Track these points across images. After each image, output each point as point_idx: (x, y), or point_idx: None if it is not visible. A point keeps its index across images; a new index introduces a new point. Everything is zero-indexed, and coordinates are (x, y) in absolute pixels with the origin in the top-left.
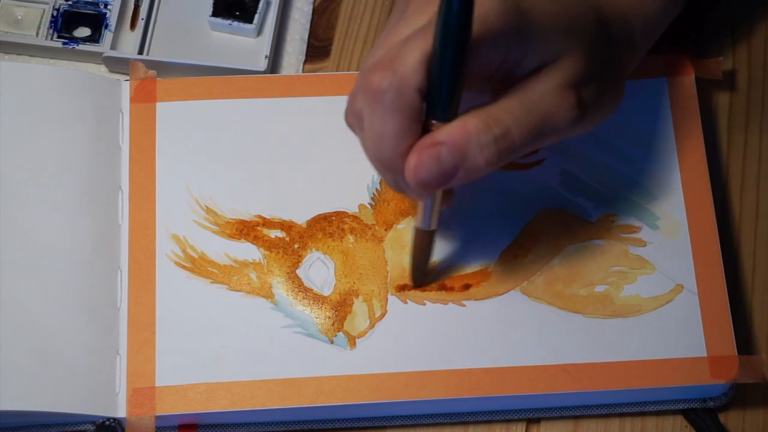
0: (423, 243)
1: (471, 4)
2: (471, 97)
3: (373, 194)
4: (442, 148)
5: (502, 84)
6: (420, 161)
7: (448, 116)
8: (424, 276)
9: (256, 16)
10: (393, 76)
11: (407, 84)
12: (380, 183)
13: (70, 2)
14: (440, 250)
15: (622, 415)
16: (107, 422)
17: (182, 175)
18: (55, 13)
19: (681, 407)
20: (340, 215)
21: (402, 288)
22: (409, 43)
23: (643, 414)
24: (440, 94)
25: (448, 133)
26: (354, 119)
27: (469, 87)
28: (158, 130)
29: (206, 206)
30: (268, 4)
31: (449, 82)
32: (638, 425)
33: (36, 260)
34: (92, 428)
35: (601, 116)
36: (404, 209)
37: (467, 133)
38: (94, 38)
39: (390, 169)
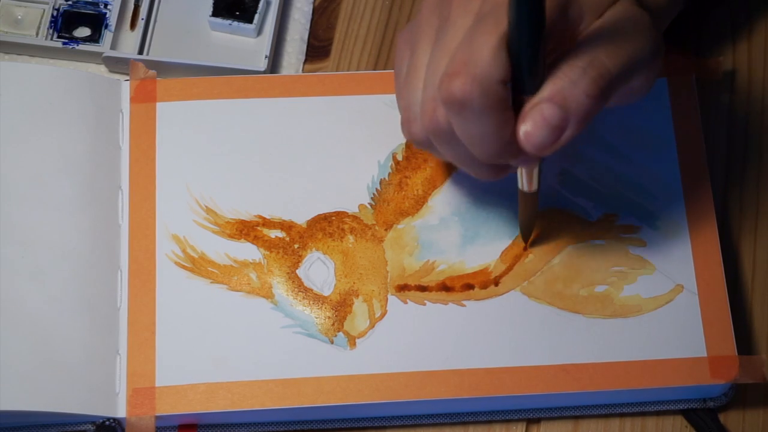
0: (529, 204)
1: None
2: None
3: (373, 194)
4: (543, 106)
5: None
6: (528, 128)
7: (537, 86)
8: (531, 234)
9: (256, 16)
10: (473, 78)
11: (489, 80)
12: (380, 183)
13: (70, 2)
14: (440, 249)
15: (622, 415)
16: (107, 422)
17: (182, 175)
18: (55, 13)
19: (681, 407)
20: (340, 215)
21: (402, 288)
22: (475, 39)
23: (643, 414)
24: (528, 72)
25: (542, 94)
26: (435, 133)
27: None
28: (158, 130)
29: (206, 206)
30: (268, 4)
31: (532, 56)
32: (638, 425)
33: (36, 260)
34: (92, 428)
35: (660, 60)
36: (404, 209)
37: (556, 80)
38: (94, 38)
39: (501, 159)
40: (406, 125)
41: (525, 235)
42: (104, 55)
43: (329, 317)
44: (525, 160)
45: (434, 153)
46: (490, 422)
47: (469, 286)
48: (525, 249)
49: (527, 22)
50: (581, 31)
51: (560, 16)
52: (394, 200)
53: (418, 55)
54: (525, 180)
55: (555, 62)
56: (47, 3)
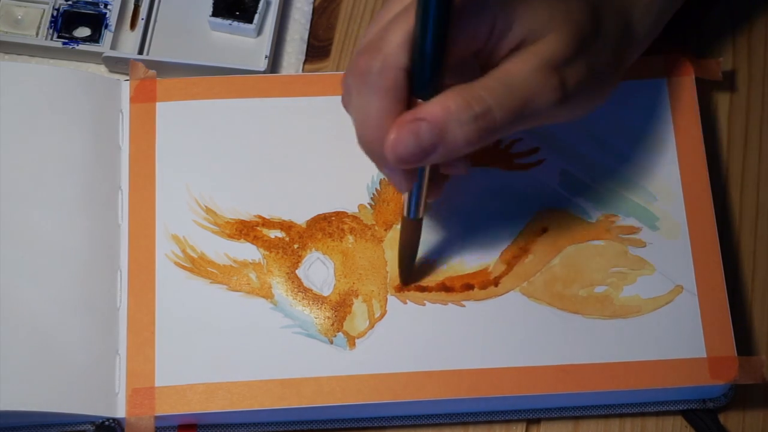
0: (409, 233)
1: None
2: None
3: (373, 194)
4: (422, 124)
5: (488, 64)
6: (399, 136)
7: (430, 93)
8: (411, 271)
9: (256, 16)
10: (378, 56)
11: (391, 63)
12: (380, 183)
13: (70, 2)
14: (440, 249)
15: (621, 415)
16: (107, 422)
17: (182, 175)
18: (55, 13)
19: (681, 408)
20: (339, 215)
21: (401, 288)
22: (393, 23)
23: (642, 415)
24: (422, 70)
25: (428, 110)
26: (346, 100)
27: (457, 66)
28: (158, 130)
29: (206, 206)
30: (268, 4)
31: (431, 56)
32: (638, 426)
33: (35, 260)
34: (92, 428)
35: (589, 105)
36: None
37: (447, 110)
38: (94, 38)
39: (373, 149)
40: None
41: (402, 271)
42: (104, 55)
43: (329, 317)
44: (390, 169)
45: None
46: (490, 422)
47: (469, 287)
48: (401, 287)
49: (428, 29)
50: (498, 48)
51: (486, 17)
52: (393, 200)
53: (369, 23)
54: (406, 200)
55: (460, 85)
56: (47, 3)
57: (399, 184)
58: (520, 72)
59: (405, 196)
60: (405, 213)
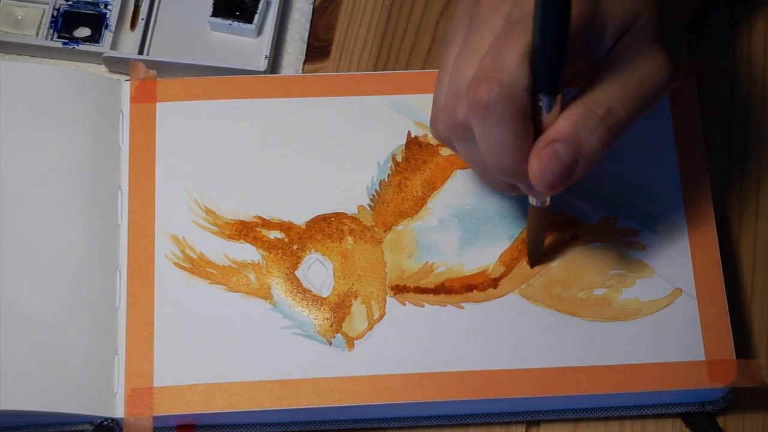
0: (539, 220)
1: None
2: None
3: (373, 195)
4: (557, 145)
5: (587, 69)
6: (541, 164)
7: (557, 87)
8: (541, 255)
9: (256, 16)
10: (500, 84)
11: (516, 88)
12: (379, 184)
13: (70, 2)
14: (439, 251)
15: (621, 418)
16: (105, 422)
17: (182, 175)
18: (55, 13)
19: (679, 411)
20: (339, 216)
21: (400, 290)
22: (504, 45)
23: (641, 417)
24: (549, 69)
25: (557, 130)
26: (455, 130)
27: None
28: (158, 130)
29: (205, 207)
30: (268, 4)
31: (556, 65)
32: (637, 428)
33: (35, 260)
34: (90, 428)
35: (682, 72)
36: (403, 211)
37: (574, 123)
38: (94, 38)
39: (513, 175)
40: (431, 121)
41: (533, 254)
42: (104, 55)
43: (328, 318)
44: (530, 187)
45: (456, 151)
46: (489, 424)
47: (468, 288)
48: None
49: (551, 33)
50: (599, 49)
51: (586, 27)
52: (393, 201)
53: (449, 53)
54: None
55: (574, 96)
56: (47, 3)
57: (539, 195)
58: (629, 60)
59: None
60: (534, 202)
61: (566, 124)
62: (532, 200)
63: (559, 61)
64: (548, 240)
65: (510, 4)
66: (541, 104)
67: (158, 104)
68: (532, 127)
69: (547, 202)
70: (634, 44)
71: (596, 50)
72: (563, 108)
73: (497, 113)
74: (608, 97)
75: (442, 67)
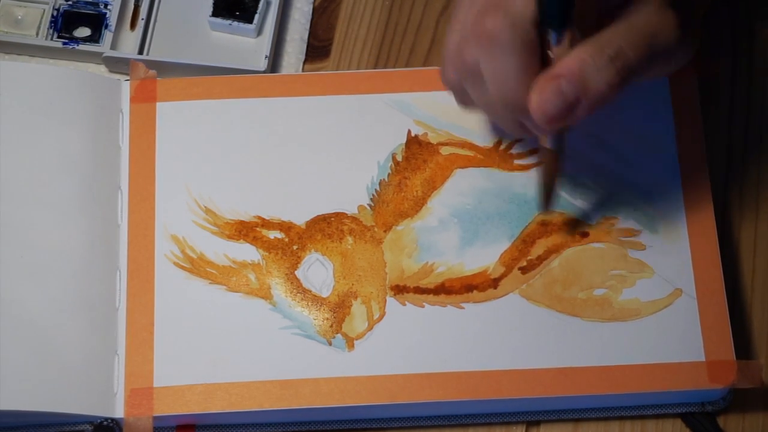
0: (551, 163)
1: None
2: None
3: (373, 195)
4: (562, 80)
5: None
6: (542, 96)
7: (563, 22)
8: (554, 199)
9: (256, 16)
10: (505, 15)
11: (521, 19)
12: (379, 184)
13: (70, 2)
14: (439, 251)
15: (621, 418)
16: (105, 422)
17: (182, 175)
18: (55, 13)
19: (679, 411)
20: (339, 216)
21: (400, 290)
22: None
23: (641, 417)
24: (554, 5)
25: (564, 65)
26: (464, 73)
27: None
28: (158, 130)
29: (205, 207)
30: (268, 4)
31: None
32: (637, 429)
33: (35, 260)
34: (90, 428)
35: (694, 46)
36: (403, 211)
37: (582, 60)
38: (94, 38)
39: (516, 108)
40: (441, 69)
41: (547, 199)
42: (104, 55)
43: (327, 319)
44: (535, 126)
45: (464, 100)
46: (489, 425)
47: (468, 289)
48: (543, 209)
49: None
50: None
51: None
52: (393, 201)
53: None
54: (549, 135)
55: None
56: (47, 3)
57: (539, 132)
58: (641, 15)
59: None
60: (546, 144)
61: (573, 60)
62: (544, 141)
63: None
64: (548, 240)
65: None
66: (549, 39)
67: (158, 104)
68: (539, 61)
69: (561, 150)
70: (649, 3)
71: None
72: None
73: (502, 43)
74: (620, 38)
75: (452, 16)
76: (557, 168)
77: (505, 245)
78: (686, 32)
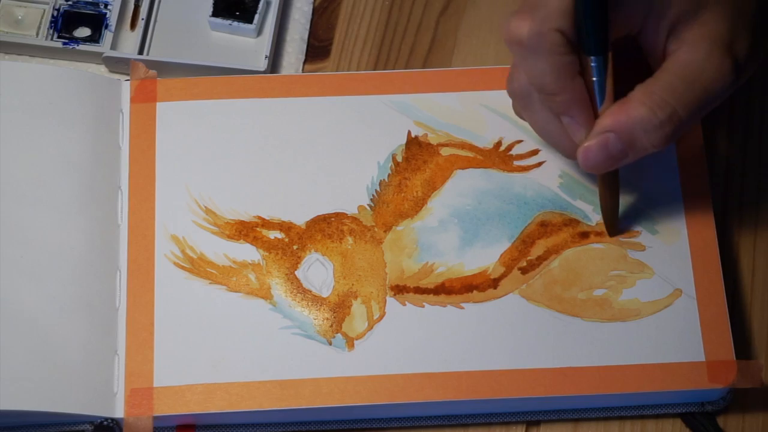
0: (607, 184)
1: None
2: None
3: (373, 195)
4: (610, 135)
5: (651, 44)
6: (589, 149)
7: (599, 50)
8: (617, 220)
9: (256, 16)
10: (531, 21)
11: (546, 25)
12: (380, 185)
13: (70, 2)
14: (439, 251)
15: (621, 418)
16: (105, 422)
17: (182, 175)
18: (55, 13)
19: (679, 411)
20: (339, 216)
21: (400, 290)
22: None
23: (641, 417)
24: (589, 29)
25: (614, 120)
26: (514, 98)
27: (620, 46)
28: (158, 130)
29: (205, 207)
30: (268, 4)
31: (595, 14)
32: (637, 429)
33: (35, 260)
34: (90, 428)
35: (754, 69)
36: (403, 211)
37: (632, 120)
38: (94, 38)
39: (555, 100)
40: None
41: (608, 221)
42: (104, 55)
43: (328, 318)
44: (575, 117)
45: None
46: (489, 425)
47: (468, 289)
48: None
49: None
50: (660, 30)
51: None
52: (393, 202)
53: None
54: None
55: (642, 84)
56: (47, 3)
57: (578, 135)
58: (695, 61)
59: None
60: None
61: (625, 118)
62: (579, 160)
63: (598, 23)
64: (548, 240)
65: None
66: (590, 64)
67: (158, 104)
68: (574, 60)
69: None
70: (703, 43)
71: (657, 30)
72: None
73: (528, 46)
74: (673, 99)
75: None
76: (617, 186)
77: (505, 245)
78: (740, 71)
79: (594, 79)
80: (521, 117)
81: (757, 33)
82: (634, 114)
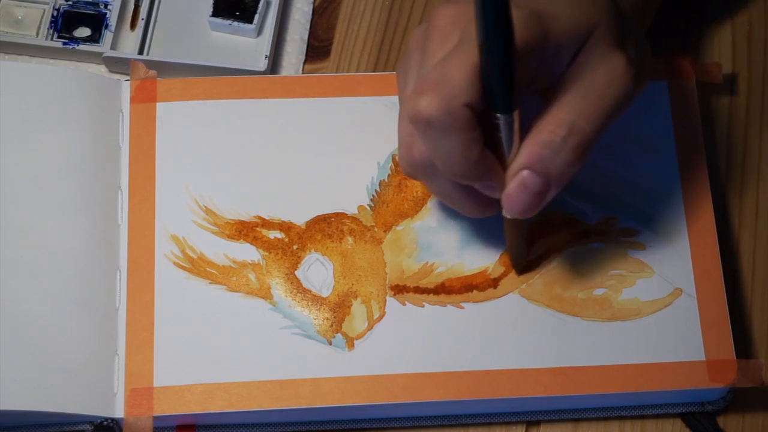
0: (515, 228)
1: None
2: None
3: (373, 195)
4: (524, 173)
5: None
6: (509, 195)
7: (509, 107)
8: (524, 261)
9: (256, 16)
10: (439, 98)
11: (455, 101)
12: (379, 185)
13: (70, 2)
14: (439, 251)
15: (621, 418)
16: (105, 422)
17: (182, 175)
18: (55, 13)
19: (679, 411)
20: (339, 216)
21: (400, 290)
22: (447, 63)
23: (641, 417)
24: (499, 90)
25: (522, 158)
26: (414, 169)
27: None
28: (158, 130)
29: (205, 207)
30: (268, 4)
31: (505, 73)
32: (637, 428)
33: (35, 260)
34: (90, 428)
35: (648, 75)
36: (403, 211)
37: (536, 150)
38: (94, 38)
39: (464, 178)
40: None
41: (516, 262)
42: (104, 55)
43: (327, 318)
44: (489, 186)
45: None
46: (489, 424)
47: (468, 288)
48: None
49: (496, 55)
50: (557, 67)
51: (537, 49)
52: (393, 202)
53: (405, 91)
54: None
55: (536, 117)
56: (47, 3)
57: (493, 195)
58: (588, 72)
59: None
60: (505, 213)
61: (529, 150)
62: (506, 212)
63: (508, 81)
64: (548, 240)
65: (459, 32)
66: (498, 122)
67: (158, 104)
68: (480, 135)
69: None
70: (591, 55)
71: (555, 69)
72: (528, 129)
73: (439, 126)
74: (568, 114)
75: (400, 104)
76: (522, 231)
77: (504, 245)
78: (639, 68)
79: (502, 135)
80: (417, 179)
81: (637, 36)
82: (536, 143)
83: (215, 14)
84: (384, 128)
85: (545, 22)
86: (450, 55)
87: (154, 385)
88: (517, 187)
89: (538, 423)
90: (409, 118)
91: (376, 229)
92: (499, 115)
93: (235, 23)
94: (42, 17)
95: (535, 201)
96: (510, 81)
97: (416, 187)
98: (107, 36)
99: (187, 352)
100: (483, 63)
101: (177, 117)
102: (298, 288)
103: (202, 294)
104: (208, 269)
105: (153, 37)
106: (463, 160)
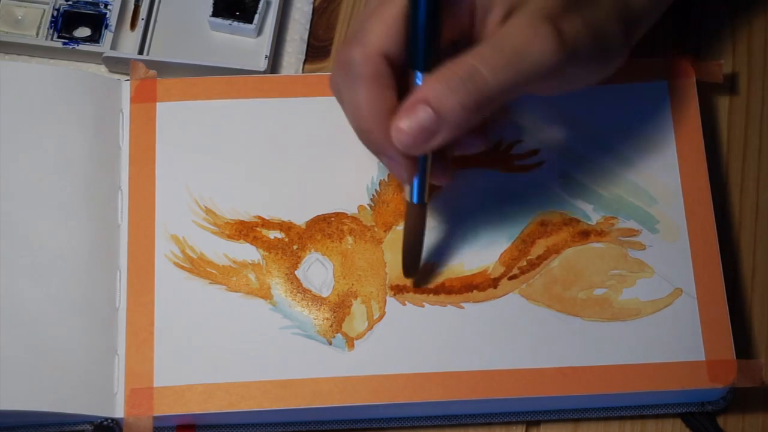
0: (413, 219)
1: None
2: None
3: (373, 195)
4: (418, 105)
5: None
6: (400, 125)
7: (428, 65)
8: (418, 263)
9: (256, 16)
10: (358, 46)
11: (372, 51)
12: (379, 184)
13: (70, 2)
14: (439, 251)
15: (621, 418)
16: (105, 422)
17: (182, 175)
18: (55, 13)
19: (679, 411)
20: (339, 216)
21: (401, 290)
22: (372, 15)
23: (641, 417)
24: (418, 43)
25: (419, 91)
26: (335, 93)
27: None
28: (158, 130)
29: (205, 207)
30: (268, 4)
31: (426, 28)
32: (637, 428)
33: (35, 260)
34: (90, 428)
35: (594, 68)
36: (403, 211)
37: (434, 84)
38: (94, 38)
39: (369, 139)
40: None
41: (408, 263)
42: (104, 55)
43: (327, 318)
44: (390, 158)
45: None
46: (489, 424)
47: (468, 288)
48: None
49: (420, 9)
50: (488, 24)
51: (466, 5)
52: (393, 201)
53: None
54: (410, 185)
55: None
56: (47, 3)
57: (400, 174)
58: (509, 30)
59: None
60: (408, 197)
61: (428, 84)
62: (408, 196)
63: (430, 39)
64: (548, 240)
65: None
66: (416, 80)
67: (158, 104)
68: (394, 96)
69: (426, 200)
70: (520, 20)
71: (483, 28)
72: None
73: (353, 74)
74: (475, 60)
75: None
76: (422, 226)
77: (504, 245)
78: (567, 46)
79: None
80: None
81: (595, 27)
82: (436, 78)
83: (215, 14)
84: None
85: None
86: (376, 7)
87: (154, 385)
88: (407, 114)
89: (538, 423)
90: (334, 65)
91: (376, 229)
92: (417, 72)
93: (235, 23)
94: (42, 17)
95: (423, 136)
96: (431, 33)
97: None
98: (107, 36)
99: (187, 352)
100: (409, 20)
101: (177, 117)
102: (298, 288)
103: (202, 294)
104: (208, 269)
105: (153, 37)
106: (371, 113)
